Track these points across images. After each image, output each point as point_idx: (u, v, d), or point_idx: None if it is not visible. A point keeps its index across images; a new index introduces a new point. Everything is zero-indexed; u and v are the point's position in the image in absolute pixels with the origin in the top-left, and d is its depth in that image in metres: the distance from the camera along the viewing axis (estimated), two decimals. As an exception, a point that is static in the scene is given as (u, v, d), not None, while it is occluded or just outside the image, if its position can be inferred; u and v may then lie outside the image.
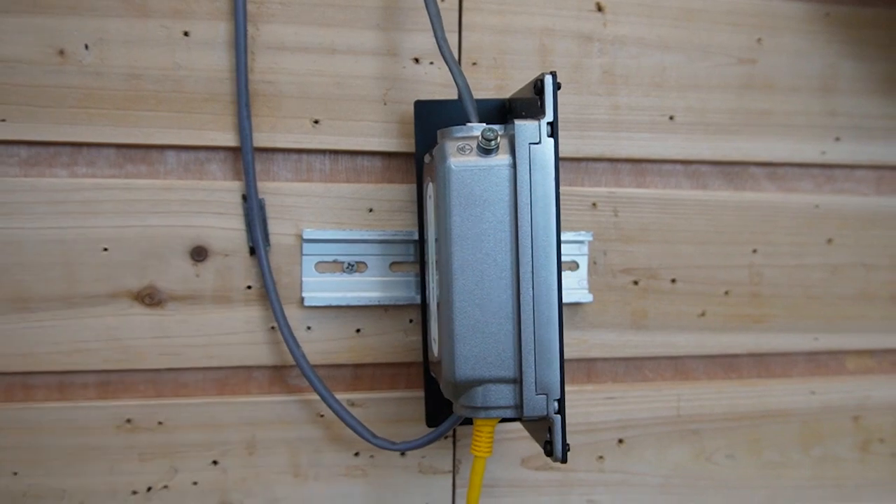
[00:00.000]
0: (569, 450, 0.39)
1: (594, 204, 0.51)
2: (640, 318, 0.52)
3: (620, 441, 0.52)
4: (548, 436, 0.39)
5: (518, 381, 0.39)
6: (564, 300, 0.49)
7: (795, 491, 0.55)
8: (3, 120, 0.44)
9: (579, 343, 0.51)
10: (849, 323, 0.55)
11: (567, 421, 0.46)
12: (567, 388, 0.50)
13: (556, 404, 0.39)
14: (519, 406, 0.39)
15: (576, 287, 0.50)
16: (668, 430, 0.53)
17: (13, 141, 0.44)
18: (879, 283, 0.56)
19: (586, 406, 0.52)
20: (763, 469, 0.55)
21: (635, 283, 0.52)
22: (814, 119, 0.53)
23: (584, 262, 0.50)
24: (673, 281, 0.52)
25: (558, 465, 0.51)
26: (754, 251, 0.53)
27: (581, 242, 0.50)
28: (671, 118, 0.51)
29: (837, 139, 0.54)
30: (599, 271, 0.51)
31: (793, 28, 0.53)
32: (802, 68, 0.53)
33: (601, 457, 0.52)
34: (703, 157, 0.52)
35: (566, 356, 0.50)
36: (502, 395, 0.39)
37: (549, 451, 0.39)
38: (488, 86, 0.49)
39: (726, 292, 0.53)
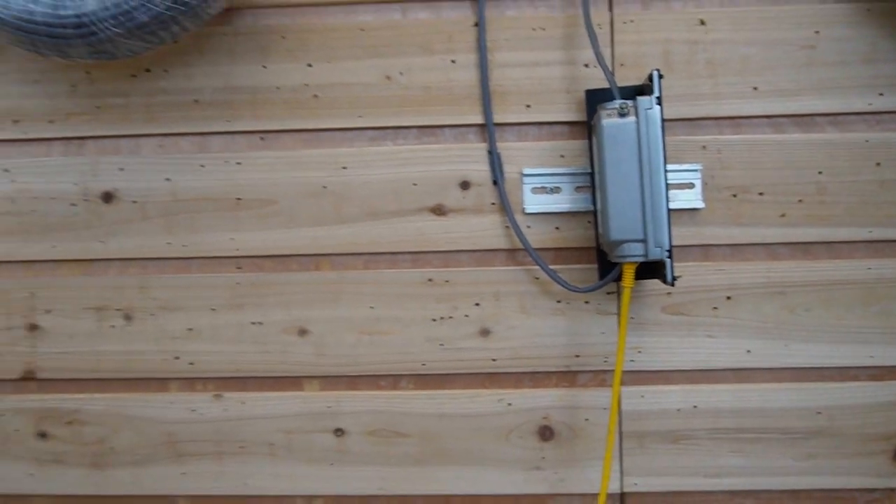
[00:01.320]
0: (677, 278, 0.70)
1: (704, 147, 0.80)
2: (738, 219, 0.80)
3: (728, 298, 0.81)
4: (663, 271, 0.70)
5: (644, 241, 0.70)
6: (686, 207, 0.79)
7: (857, 335, 0.80)
8: (360, 116, 0.81)
9: (697, 235, 0.80)
10: (897, 220, 0.80)
11: (689, 286, 0.76)
12: (688, 264, 0.80)
13: (667, 253, 0.69)
14: (645, 255, 0.70)
15: (693, 199, 0.80)
16: (762, 291, 0.80)
17: (367, 127, 0.82)
18: (920, 192, 0.80)
19: (704, 275, 0.81)
20: (833, 318, 0.80)
21: (734, 196, 0.80)
22: (861, 81, 0.78)
23: (698, 184, 0.80)
24: (760, 194, 0.80)
25: (687, 311, 0.81)
26: (820, 173, 0.79)
27: (695, 171, 0.79)
28: (755, 89, 0.79)
29: (881, 94, 0.79)
30: (708, 189, 0.80)
31: (841, 21, 0.78)
32: (850, 48, 0.78)
33: (715, 308, 0.81)
34: (779, 113, 0.79)
35: (688, 244, 0.80)
36: (636, 249, 0.70)
37: (664, 280, 0.70)
38: (631, 78, 0.79)
39: (800, 200, 0.80)
